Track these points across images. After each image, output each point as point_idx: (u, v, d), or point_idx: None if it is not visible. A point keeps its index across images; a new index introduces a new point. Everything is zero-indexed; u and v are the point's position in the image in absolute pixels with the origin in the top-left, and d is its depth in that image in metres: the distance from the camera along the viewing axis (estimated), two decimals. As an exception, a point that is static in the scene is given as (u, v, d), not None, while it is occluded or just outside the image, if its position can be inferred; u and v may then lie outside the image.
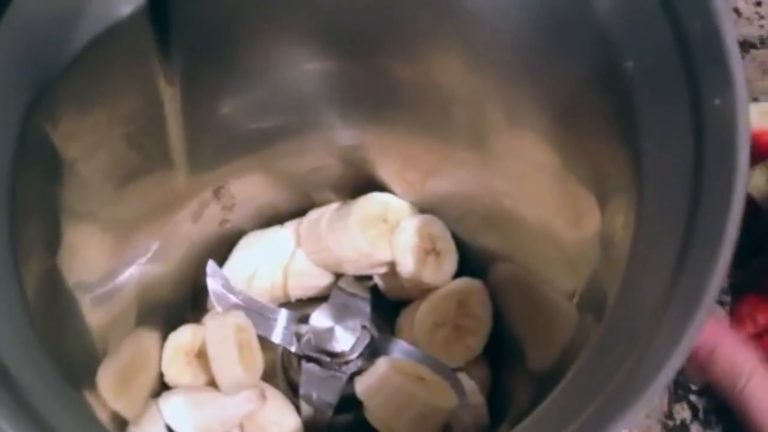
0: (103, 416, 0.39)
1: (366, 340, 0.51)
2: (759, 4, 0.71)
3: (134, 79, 0.41)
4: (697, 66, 0.32)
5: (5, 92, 0.33)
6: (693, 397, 0.57)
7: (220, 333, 0.48)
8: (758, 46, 0.69)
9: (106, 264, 0.46)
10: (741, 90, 0.31)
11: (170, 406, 0.48)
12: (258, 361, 0.50)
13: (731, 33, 0.31)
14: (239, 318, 0.49)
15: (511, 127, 0.43)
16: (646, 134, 0.34)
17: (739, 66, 0.31)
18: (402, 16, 0.42)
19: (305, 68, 0.46)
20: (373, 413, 0.48)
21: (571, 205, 0.41)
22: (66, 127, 0.37)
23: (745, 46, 0.68)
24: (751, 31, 0.69)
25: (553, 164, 0.42)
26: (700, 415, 0.56)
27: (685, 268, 0.30)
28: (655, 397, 0.27)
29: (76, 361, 0.41)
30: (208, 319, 0.50)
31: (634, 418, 0.26)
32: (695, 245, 0.30)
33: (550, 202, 0.44)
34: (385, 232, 0.54)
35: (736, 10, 0.70)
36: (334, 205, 0.56)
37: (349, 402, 0.50)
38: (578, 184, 0.40)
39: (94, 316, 0.44)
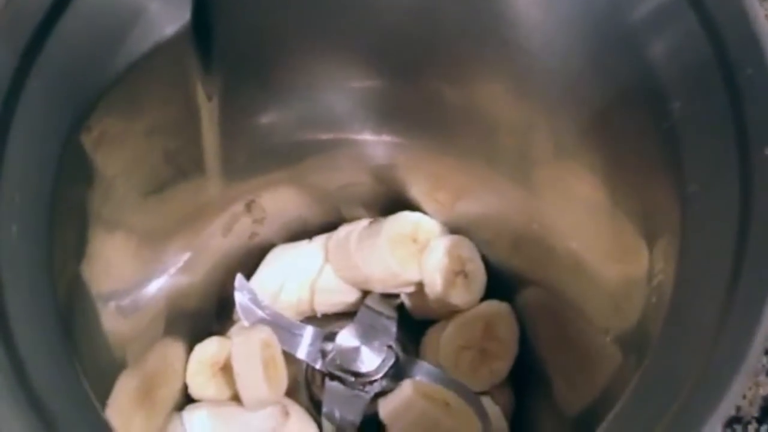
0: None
1: (391, 361, 0.51)
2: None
3: (174, 96, 0.41)
4: (746, 113, 0.32)
5: (49, 110, 0.33)
6: (718, 429, 0.56)
7: (246, 349, 0.48)
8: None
9: (137, 274, 0.46)
10: (792, 141, 0.30)
11: (194, 419, 0.49)
12: (282, 378, 0.50)
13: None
14: (265, 334, 0.49)
15: (554, 157, 0.43)
16: (691, 177, 0.33)
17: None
18: (446, 41, 0.42)
19: (343, 87, 0.46)
20: (395, 437, 0.48)
21: (612, 241, 0.41)
22: (106, 144, 0.37)
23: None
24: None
25: (596, 198, 0.41)
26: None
27: (731, 316, 0.29)
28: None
29: (100, 368, 0.42)
30: (235, 334, 0.50)
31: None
32: (740, 293, 0.29)
33: (590, 235, 0.43)
34: (415, 252, 0.54)
35: None
36: (364, 222, 0.56)
37: (371, 422, 0.50)
38: (622, 221, 0.39)
39: (120, 325, 0.44)
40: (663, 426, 0.28)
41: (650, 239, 0.36)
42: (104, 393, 0.40)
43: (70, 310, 0.37)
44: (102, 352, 0.42)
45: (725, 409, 0.27)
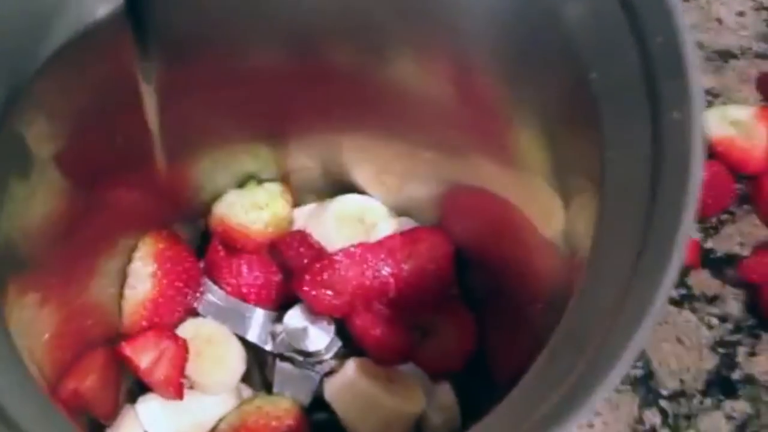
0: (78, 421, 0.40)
1: (339, 341, 0.52)
2: (741, 14, 0.71)
3: (110, 79, 0.41)
4: (658, 79, 0.33)
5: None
6: (663, 403, 0.58)
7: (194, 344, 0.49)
8: (738, 56, 0.70)
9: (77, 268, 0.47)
10: (698, 104, 0.31)
11: (147, 410, 0.49)
12: (235, 364, 0.51)
13: (691, 48, 0.32)
14: (209, 328, 0.51)
15: (492, 130, 0.44)
16: (609, 143, 0.35)
17: (697, 80, 0.32)
18: (376, 21, 0.42)
19: (283, 71, 0.46)
20: (341, 416, 0.49)
21: (538, 206, 0.42)
22: (39, 129, 0.37)
23: (726, 56, 0.69)
24: (732, 41, 0.70)
25: (529, 163, 0.42)
26: (670, 420, 0.57)
27: (639, 274, 0.30)
28: (597, 402, 0.27)
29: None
30: (181, 330, 0.51)
31: (582, 419, 0.27)
32: (649, 252, 0.30)
33: (521, 203, 0.45)
34: (361, 233, 0.55)
35: (718, 20, 0.71)
36: (312, 205, 0.57)
37: (323, 402, 0.51)
38: (546, 187, 0.41)
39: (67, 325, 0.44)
40: (568, 383, 0.29)
41: (569, 201, 0.37)
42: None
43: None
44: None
45: (627, 363, 0.28)
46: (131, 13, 0.39)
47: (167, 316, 0.50)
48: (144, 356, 0.48)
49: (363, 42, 0.44)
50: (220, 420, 0.51)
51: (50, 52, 0.36)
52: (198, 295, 0.52)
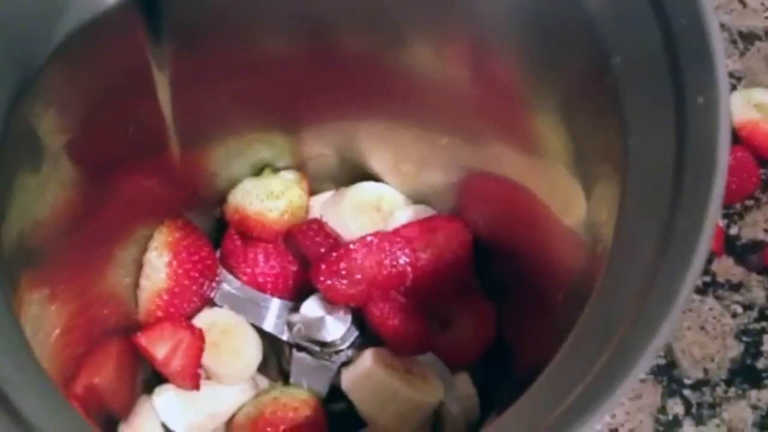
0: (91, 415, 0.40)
1: (356, 330, 0.51)
2: (766, -5, 0.70)
3: (122, 66, 0.41)
4: (682, 63, 0.32)
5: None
6: (686, 392, 0.57)
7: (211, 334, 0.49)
8: (763, 38, 0.68)
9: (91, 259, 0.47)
10: (724, 89, 0.30)
11: (164, 401, 0.49)
12: (251, 355, 0.50)
13: (716, 31, 0.31)
14: (225, 318, 0.50)
15: (512, 117, 0.43)
16: (631, 129, 0.34)
17: (722, 64, 0.31)
18: (392, 6, 0.42)
19: (295, 58, 0.46)
20: (358, 407, 0.48)
21: (561, 192, 0.41)
22: (52, 116, 0.37)
23: (750, 38, 0.68)
24: (757, 23, 0.69)
25: (550, 151, 0.42)
26: (693, 410, 0.56)
27: (664, 263, 0.30)
28: (622, 395, 0.27)
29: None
30: (197, 320, 0.50)
31: (608, 411, 0.26)
32: (674, 241, 0.30)
33: (544, 189, 0.44)
34: (378, 221, 0.54)
35: (742, 2, 0.69)
36: (328, 193, 0.56)
37: (340, 392, 0.51)
38: (567, 175, 0.40)
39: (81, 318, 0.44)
40: (592, 375, 0.28)
41: (591, 189, 0.36)
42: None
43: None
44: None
45: (653, 351, 0.27)
46: (144, 5, 0.38)
47: (183, 307, 0.50)
48: (160, 347, 0.48)
49: (379, 27, 0.43)
50: (237, 410, 0.50)
51: (60, 42, 0.36)
52: (214, 284, 0.51)
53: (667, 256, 0.29)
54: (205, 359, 0.50)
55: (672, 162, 0.31)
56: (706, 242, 0.28)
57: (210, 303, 0.52)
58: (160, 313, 0.49)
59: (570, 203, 0.39)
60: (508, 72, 0.40)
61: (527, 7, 0.37)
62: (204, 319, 0.51)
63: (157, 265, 0.49)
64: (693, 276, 0.28)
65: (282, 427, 0.47)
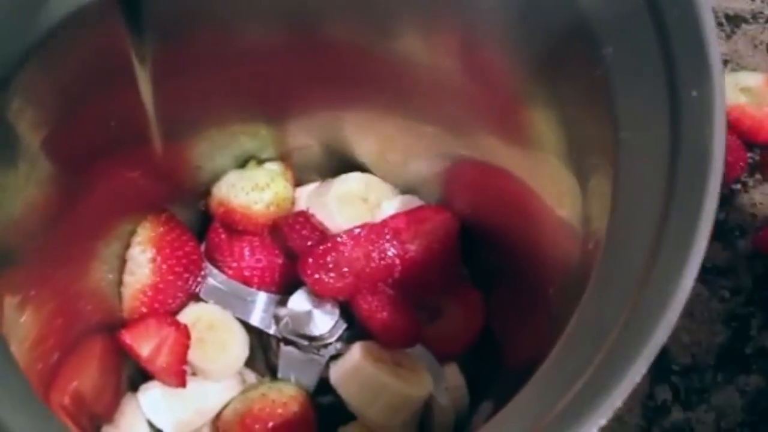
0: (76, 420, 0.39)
1: (344, 324, 0.51)
2: (752, -22, 0.69)
3: (103, 60, 0.40)
4: (675, 55, 0.31)
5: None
6: (675, 378, 0.57)
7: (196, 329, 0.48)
8: (750, 20, 0.68)
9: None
10: (718, 82, 0.30)
11: (149, 399, 0.48)
12: (238, 350, 0.50)
13: (711, 22, 0.31)
14: (211, 313, 0.50)
15: (500, 108, 0.42)
16: (623, 122, 0.33)
17: (717, 57, 0.30)
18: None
19: (278, 47, 0.45)
20: (347, 401, 0.48)
21: (553, 185, 0.41)
22: (31, 113, 0.36)
23: (737, 20, 0.67)
24: (744, 6, 0.68)
25: (540, 142, 0.41)
26: (682, 396, 0.56)
27: (659, 261, 0.29)
28: (623, 394, 0.26)
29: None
30: (182, 316, 0.50)
31: (596, 421, 0.26)
32: (669, 239, 0.29)
33: (536, 180, 0.43)
34: (365, 212, 0.53)
35: (729, -16, 0.69)
36: (315, 184, 0.55)
37: (328, 385, 0.50)
38: (560, 167, 0.39)
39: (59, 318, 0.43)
40: (586, 378, 0.27)
41: (584, 182, 0.36)
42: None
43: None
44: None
45: (648, 355, 0.27)
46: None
47: (168, 302, 0.49)
48: (145, 344, 0.47)
49: (364, 16, 0.42)
50: (224, 406, 0.50)
51: (38, 38, 0.35)
52: (199, 279, 0.51)
53: (662, 254, 0.29)
54: (191, 355, 0.49)
55: (666, 156, 0.31)
56: (702, 239, 0.28)
57: (195, 298, 0.52)
58: (144, 309, 0.49)
59: (562, 195, 0.38)
60: (498, 63, 0.40)
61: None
62: (189, 315, 0.51)
63: (141, 260, 0.49)
64: (690, 274, 0.27)
65: (270, 424, 0.47)
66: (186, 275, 0.49)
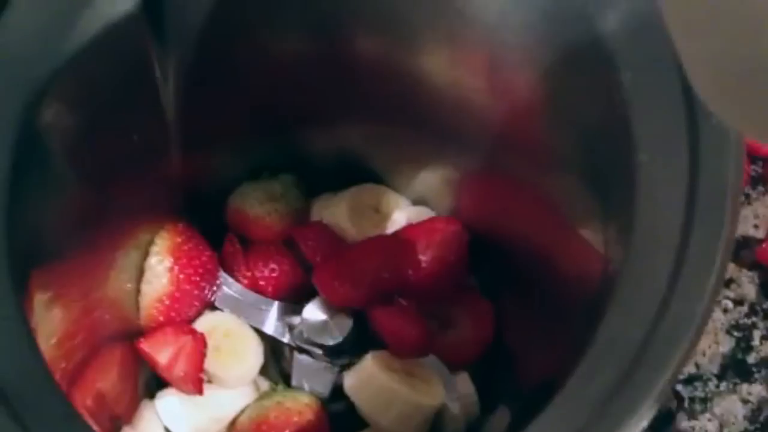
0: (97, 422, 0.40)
1: (357, 333, 0.51)
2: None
3: (129, 77, 0.40)
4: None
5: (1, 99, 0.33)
6: (678, 386, 0.58)
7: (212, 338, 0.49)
8: None
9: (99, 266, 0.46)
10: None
11: (166, 405, 0.49)
12: (253, 358, 0.50)
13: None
14: (227, 322, 0.51)
15: (514, 126, 0.43)
16: (641, 146, 0.34)
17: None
18: (399, 11, 0.41)
19: (295, 62, 0.46)
20: (360, 409, 0.49)
21: (574, 206, 0.41)
22: (61, 131, 0.37)
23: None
24: None
25: (555, 163, 0.42)
26: (686, 404, 0.57)
27: (679, 284, 0.30)
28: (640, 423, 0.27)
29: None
30: (199, 324, 0.50)
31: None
32: (688, 265, 0.30)
33: (553, 201, 0.44)
34: (378, 223, 0.54)
35: None
36: (328, 195, 0.56)
37: (342, 393, 0.51)
38: (580, 187, 0.40)
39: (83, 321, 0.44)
40: (607, 406, 0.28)
41: (605, 204, 0.36)
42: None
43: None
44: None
45: (665, 384, 0.27)
46: (149, 9, 0.38)
47: (184, 311, 0.50)
48: (163, 352, 0.48)
49: (389, 32, 0.43)
50: (240, 413, 0.50)
51: (71, 53, 0.35)
52: (215, 288, 0.51)
53: (682, 281, 0.30)
54: (208, 363, 0.50)
55: (685, 182, 0.31)
56: (721, 267, 0.28)
57: (211, 306, 0.52)
58: (161, 318, 0.49)
59: (583, 215, 0.39)
60: (517, 83, 0.40)
61: (539, 20, 0.37)
62: (205, 323, 0.51)
63: (159, 270, 0.49)
64: (707, 303, 0.28)
65: (286, 431, 0.48)
66: (202, 284, 0.50)
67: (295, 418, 0.48)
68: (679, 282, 0.30)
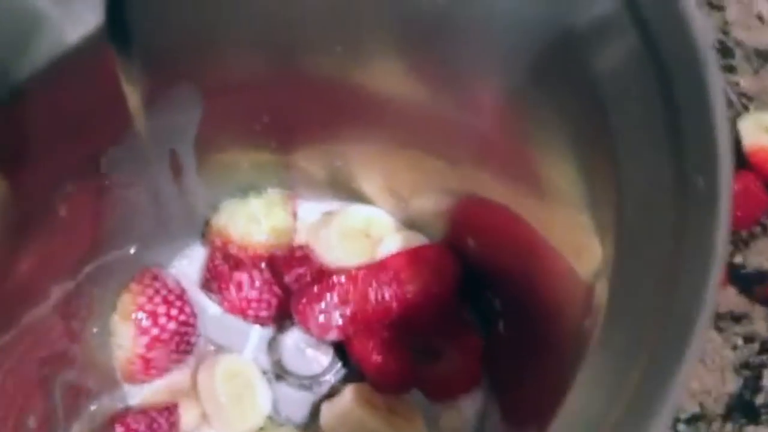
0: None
1: (338, 362, 0.50)
2: (784, 10, 0.67)
3: (97, 100, 0.39)
4: (683, 135, 0.30)
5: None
6: (681, 426, 0.55)
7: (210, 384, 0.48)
8: (779, 57, 0.65)
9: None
10: (726, 170, 0.28)
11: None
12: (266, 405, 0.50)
13: (721, 105, 0.29)
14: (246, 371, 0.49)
15: (506, 151, 0.41)
16: (626, 193, 0.31)
17: (725, 141, 0.28)
18: (370, 34, 0.39)
19: (278, 81, 0.44)
20: (335, 443, 0.47)
21: (568, 239, 0.39)
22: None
23: (766, 56, 0.65)
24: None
25: (551, 197, 0.40)
26: (689, 446, 0.55)
27: (667, 323, 0.27)
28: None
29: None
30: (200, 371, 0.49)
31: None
32: (679, 292, 0.28)
33: (547, 232, 0.42)
34: (367, 248, 0.52)
35: (760, 17, 0.66)
36: (317, 217, 0.54)
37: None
38: (576, 221, 0.37)
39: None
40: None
41: (602, 240, 0.34)
42: None
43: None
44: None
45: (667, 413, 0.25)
46: (114, 32, 0.36)
47: (162, 365, 0.49)
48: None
49: (348, 54, 0.41)
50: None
51: (25, 80, 0.33)
52: (193, 339, 0.50)
53: (668, 319, 0.27)
54: (229, 411, 0.48)
55: (670, 235, 0.29)
56: (709, 301, 0.26)
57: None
58: (140, 376, 0.48)
59: (580, 249, 0.36)
60: (497, 106, 0.38)
61: (515, 47, 0.35)
62: (226, 369, 0.49)
63: (125, 334, 0.47)
64: (697, 343, 0.26)
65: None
66: (177, 338, 0.48)
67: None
68: (666, 324, 0.27)
